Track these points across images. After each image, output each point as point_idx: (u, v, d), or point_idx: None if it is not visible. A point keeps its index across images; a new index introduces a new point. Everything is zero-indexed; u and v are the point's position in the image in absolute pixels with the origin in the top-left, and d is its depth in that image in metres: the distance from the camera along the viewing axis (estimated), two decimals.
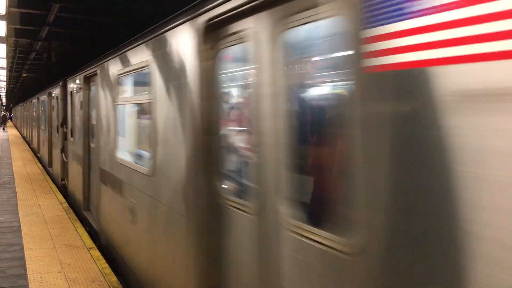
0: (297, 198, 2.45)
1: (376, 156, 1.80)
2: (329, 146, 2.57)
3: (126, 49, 5.39)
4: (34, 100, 21.07)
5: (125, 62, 5.47)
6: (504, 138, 1.34)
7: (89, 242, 6.72)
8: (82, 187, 8.41)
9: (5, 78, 38.39)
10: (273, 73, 2.55)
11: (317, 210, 2.58)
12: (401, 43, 1.66)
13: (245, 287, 2.91)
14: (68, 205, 9.25)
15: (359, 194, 1.90)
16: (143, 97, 5.09)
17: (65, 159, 10.71)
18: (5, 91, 55.10)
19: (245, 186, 2.99)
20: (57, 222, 7.86)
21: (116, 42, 6.25)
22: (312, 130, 2.77)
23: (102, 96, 6.67)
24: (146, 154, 4.81)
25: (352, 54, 1.91)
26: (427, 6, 1.55)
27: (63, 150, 10.95)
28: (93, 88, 7.90)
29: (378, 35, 1.76)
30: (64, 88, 11.00)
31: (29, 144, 25.16)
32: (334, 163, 2.49)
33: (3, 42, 14.44)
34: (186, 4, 3.59)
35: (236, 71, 3.45)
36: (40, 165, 15.73)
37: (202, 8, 3.24)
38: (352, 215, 1.94)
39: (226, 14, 2.95)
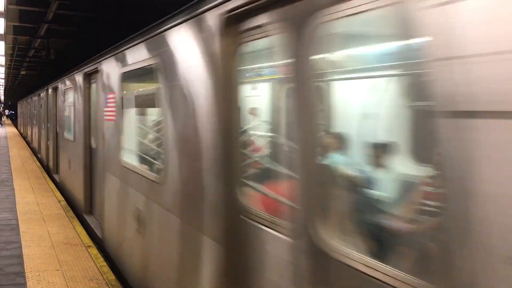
0: None
1: None
2: None
3: (64, 77, 10.62)
4: (29, 99, 24.09)
5: (64, 84, 10.60)
6: None
7: (87, 240, 6.71)
8: (52, 155, 13.24)
9: (3, 76, 38.28)
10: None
11: None
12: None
13: None
14: (66, 203, 9.24)
15: None
16: (70, 103, 9.77)
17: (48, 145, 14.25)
18: (3, 89, 54.92)
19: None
20: (56, 220, 7.84)
21: (114, 39, 6.26)
22: None
23: (60, 100, 11.52)
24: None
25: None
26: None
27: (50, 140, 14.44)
28: (57, 94, 12.62)
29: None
30: (47, 92, 14.74)
31: (24, 138, 27.14)
32: None
33: (1, 40, 14.39)
34: (182, 3, 3.61)
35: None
36: (38, 163, 15.71)
37: (84, 67, 7.90)
38: None
39: (89, 72, 7.47)
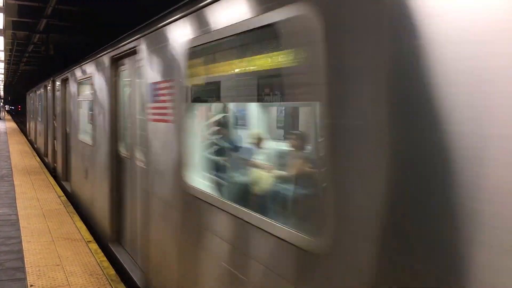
0: None
1: None
2: None
3: (35, 88, 15.97)
4: (30, 95, 24.14)
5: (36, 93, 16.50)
6: None
7: (87, 235, 6.72)
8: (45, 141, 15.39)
9: (3, 71, 38.22)
10: None
11: None
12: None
13: None
14: (66, 199, 9.24)
15: None
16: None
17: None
18: (3, 84, 54.91)
19: None
20: (56, 215, 7.85)
21: (114, 34, 6.24)
22: None
23: (39, 99, 14.24)
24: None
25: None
26: None
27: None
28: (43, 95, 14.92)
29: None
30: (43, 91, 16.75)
31: (22, 130, 28.68)
32: None
33: (1, 35, 14.35)
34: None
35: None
36: (38, 158, 15.72)
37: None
38: None
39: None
